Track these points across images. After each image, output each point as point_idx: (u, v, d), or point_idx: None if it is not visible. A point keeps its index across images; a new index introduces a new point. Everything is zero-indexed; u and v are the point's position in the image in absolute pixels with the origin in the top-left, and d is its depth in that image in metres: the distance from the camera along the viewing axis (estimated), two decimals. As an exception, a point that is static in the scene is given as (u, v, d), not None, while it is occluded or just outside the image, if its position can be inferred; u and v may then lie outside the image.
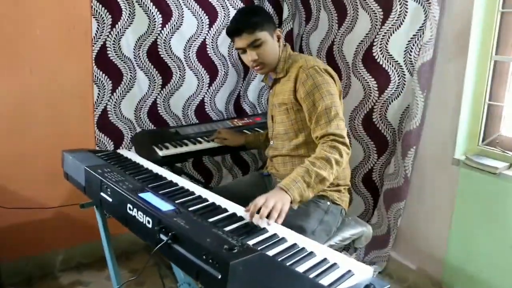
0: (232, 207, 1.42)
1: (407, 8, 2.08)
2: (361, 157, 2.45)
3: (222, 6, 2.56)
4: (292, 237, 1.24)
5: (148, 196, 1.41)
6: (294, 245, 1.20)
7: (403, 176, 2.20)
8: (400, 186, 2.24)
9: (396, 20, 2.13)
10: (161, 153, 2.11)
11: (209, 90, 2.67)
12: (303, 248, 1.18)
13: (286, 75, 1.78)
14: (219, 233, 1.18)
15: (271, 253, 1.14)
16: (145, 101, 2.49)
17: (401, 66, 2.17)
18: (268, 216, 1.31)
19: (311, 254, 1.15)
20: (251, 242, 1.18)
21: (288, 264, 1.09)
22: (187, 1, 2.44)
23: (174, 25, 2.42)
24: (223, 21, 2.57)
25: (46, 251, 2.45)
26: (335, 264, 1.11)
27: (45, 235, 2.41)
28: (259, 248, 1.13)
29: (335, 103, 1.62)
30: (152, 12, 2.33)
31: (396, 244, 2.40)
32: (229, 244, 1.10)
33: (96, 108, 2.36)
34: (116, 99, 2.40)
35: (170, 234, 1.20)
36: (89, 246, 2.48)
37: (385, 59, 2.22)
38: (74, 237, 2.49)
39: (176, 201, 1.43)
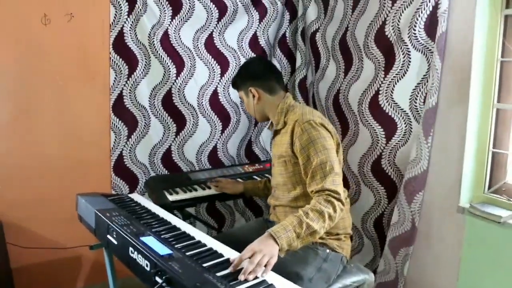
0: (228, 253, 1.45)
1: (410, 57, 2.14)
2: (372, 202, 2.46)
3: (233, 56, 2.69)
4: (280, 284, 1.27)
5: (149, 240, 1.48)
6: (281, 291, 1.22)
7: (410, 220, 2.19)
8: (407, 231, 2.22)
9: (401, 69, 2.19)
10: (171, 197, 2.18)
11: (221, 136, 2.76)
12: (289, 295, 1.20)
13: (285, 127, 1.82)
14: (209, 278, 1.24)
15: (257, 299, 1.17)
16: (160, 147, 2.60)
17: (407, 113, 2.21)
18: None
19: (296, 301, 1.18)
20: (239, 288, 1.22)
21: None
22: (200, 52, 2.58)
23: (187, 74, 2.55)
24: (234, 70, 2.70)
25: (62, 291, 2.52)
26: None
27: (62, 274, 2.50)
28: (246, 294, 1.18)
29: (330, 157, 1.64)
30: (167, 63, 2.47)
31: (405, 291, 2.36)
32: (216, 289, 1.15)
33: (113, 153, 2.49)
34: (132, 145, 2.52)
35: (164, 277, 1.26)
36: (104, 286, 2.53)
37: (391, 107, 2.26)
38: (89, 277, 2.57)
39: (176, 246, 1.48)
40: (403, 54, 2.16)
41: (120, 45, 2.38)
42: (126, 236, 1.51)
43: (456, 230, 2.06)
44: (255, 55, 2.76)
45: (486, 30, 1.90)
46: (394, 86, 2.24)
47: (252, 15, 2.71)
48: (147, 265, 1.36)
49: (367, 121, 2.40)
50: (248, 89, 1.89)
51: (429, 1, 2.01)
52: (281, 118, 1.84)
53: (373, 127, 2.37)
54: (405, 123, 2.24)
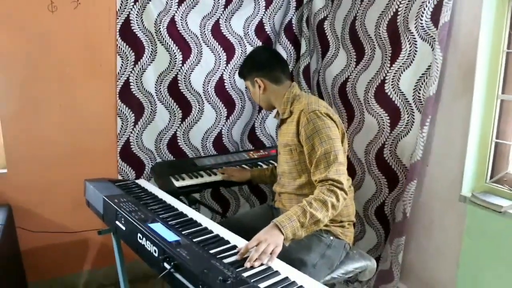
0: (234, 239, 1.49)
1: (416, 47, 2.15)
2: (374, 191, 2.49)
3: (239, 43, 2.70)
4: (285, 270, 1.31)
5: (157, 227, 1.52)
6: (285, 278, 1.26)
7: (402, 211, 2.23)
8: (399, 221, 2.26)
9: (407, 58, 2.20)
10: (177, 183, 2.22)
11: (226, 123, 2.79)
12: (293, 282, 1.24)
13: (291, 116, 1.85)
14: (217, 265, 1.27)
15: (262, 285, 1.20)
16: (166, 133, 2.63)
17: (410, 103, 2.23)
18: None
19: None
20: (246, 274, 1.25)
21: (276, 297, 1.16)
22: (206, 39, 2.59)
23: (194, 61, 2.56)
24: (240, 57, 2.71)
25: (71, 273, 2.59)
26: (321, 298, 1.17)
27: (70, 257, 2.56)
28: (252, 281, 1.21)
29: (334, 147, 1.67)
30: (173, 49, 2.48)
31: (406, 279, 2.40)
32: (223, 276, 1.19)
33: (119, 139, 2.52)
34: (138, 131, 2.55)
35: (172, 263, 1.30)
36: (110, 269, 2.59)
37: (397, 95, 2.27)
38: (96, 261, 2.63)
39: (183, 232, 1.52)
40: (409, 44, 2.17)
41: (126, 32, 2.39)
42: (134, 223, 1.54)
43: (457, 219, 2.09)
44: (260, 44, 2.76)
45: (492, 21, 1.90)
46: (400, 75, 2.24)
47: (259, 2, 2.71)
48: (155, 251, 1.41)
49: (373, 109, 2.41)
50: (254, 80, 1.91)
51: (436, -9, 2.01)
52: (287, 107, 1.87)
53: (380, 115, 2.38)
54: (407, 114, 2.25)
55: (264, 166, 2.50)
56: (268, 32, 2.79)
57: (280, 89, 1.90)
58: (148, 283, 2.66)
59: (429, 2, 2.04)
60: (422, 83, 2.16)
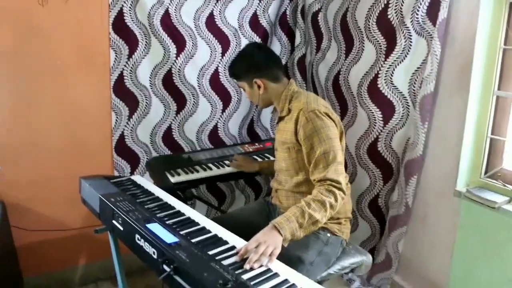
0: (233, 239, 1.49)
1: (411, 41, 2.14)
2: (367, 184, 2.51)
3: (234, 35, 2.67)
4: (284, 272, 1.31)
5: (155, 227, 1.51)
6: (285, 280, 1.27)
7: (404, 204, 2.25)
8: (401, 214, 2.29)
9: (401, 52, 2.19)
10: (173, 179, 2.21)
11: (222, 116, 2.77)
12: (293, 284, 1.25)
13: (289, 114, 1.83)
14: (217, 267, 1.28)
15: (262, 288, 1.22)
16: (160, 126, 2.61)
17: (405, 97, 2.23)
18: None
19: (299, 290, 1.23)
20: (245, 277, 1.26)
21: (277, 300, 1.17)
22: (201, 31, 2.56)
23: (188, 54, 2.54)
24: (235, 49, 2.68)
25: (66, 267, 2.58)
26: (321, 302, 1.18)
27: (66, 252, 2.54)
28: (252, 283, 1.22)
29: (333, 147, 1.67)
30: (167, 43, 2.45)
31: (400, 270, 2.44)
32: (224, 279, 1.20)
33: (114, 134, 2.49)
34: (133, 125, 2.53)
35: (172, 266, 1.30)
36: (106, 263, 2.59)
37: (390, 90, 2.28)
38: (92, 254, 2.63)
39: (181, 232, 1.52)
40: (404, 38, 2.16)
41: (119, 25, 2.34)
42: (132, 223, 1.54)
43: (451, 213, 2.12)
44: (255, 36, 2.74)
45: (490, 17, 1.90)
46: (394, 70, 2.24)
47: (253, -7, 2.68)
48: (154, 253, 1.41)
49: (365, 104, 2.41)
50: (252, 81, 1.88)
51: (432, -15, 2.00)
52: (286, 105, 1.86)
53: (371, 110, 2.39)
54: (403, 107, 2.26)
55: (272, 158, 2.49)
56: (263, 24, 2.76)
57: (279, 87, 1.89)
58: (144, 276, 2.67)
59: (425, -3, 2.03)
60: (417, 77, 2.16)
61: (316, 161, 1.67)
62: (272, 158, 2.45)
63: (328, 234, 1.80)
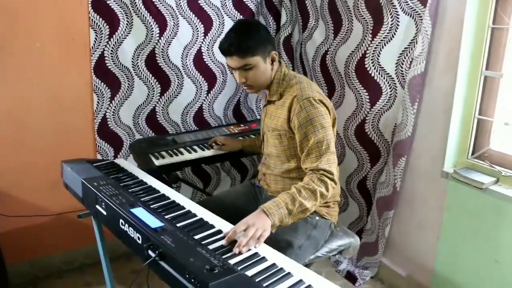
0: (219, 223, 1.47)
1: (398, 21, 2.11)
2: (355, 165, 2.50)
3: (217, 14, 2.60)
4: (272, 256, 1.30)
5: (139, 212, 1.47)
6: (273, 265, 1.25)
7: (393, 185, 2.24)
8: (390, 195, 2.28)
9: (388, 32, 2.16)
10: (157, 162, 2.17)
11: (207, 97, 2.72)
12: (281, 269, 1.23)
13: (281, 99, 1.77)
14: (203, 252, 1.25)
15: (250, 273, 1.19)
16: (144, 108, 2.55)
17: (392, 78, 2.21)
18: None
19: (288, 274, 1.20)
20: (232, 261, 1.24)
21: (265, 285, 1.15)
22: (182, 10, 2.48)
23: (170, 34, 2.47)
24: (218, 29, 2.62)
25: (50, 254, 2.54)
26: (309, 286, 1.16)
27: (48, 238, 2.50)
28: (239, 268, 1.20)
29: (327, 136, 1.64)
30: (150, 22, 2.38)
31: (388, 251, 2.45)
32: (210, 264, 1.17)
33: (96, 116, 2.43)
34: (115, 107, 2.46)
35: (157, 252, 1.27)
36: (91, 248, 2.54)
37: (376, 71, 2.25)
38: (76, 240, 2.57)
39: (166, 216, 1.49)
40: (391, 17, 2.13)
41: (99, 4, 2.26)
42: (115, 208, 1.49)
43: (439, 194, 2.12)
44: (239, 15, 2.67)
45: (478, -4, 1.87)
46: (381, 50, 2.21)
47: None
48: (138, 238, 1.37)
49: (353, 84, 2.39)
50: (270, 54, 1.75)
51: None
52: (278, 88, 1.79)
53: (359, 91, 2.36)
54: (390, 88, 2.23)
55: (252, 137, 2.46)
56: (247, 3, 2.69)
57: (274, 69, 1.81)
58: (131, 261, 2.64)
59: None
60: (405, 58, 2.13)
61: (309, 150, 1.64)
62: (253, 137, 2.42)
63: (317, 218, 1.78)
